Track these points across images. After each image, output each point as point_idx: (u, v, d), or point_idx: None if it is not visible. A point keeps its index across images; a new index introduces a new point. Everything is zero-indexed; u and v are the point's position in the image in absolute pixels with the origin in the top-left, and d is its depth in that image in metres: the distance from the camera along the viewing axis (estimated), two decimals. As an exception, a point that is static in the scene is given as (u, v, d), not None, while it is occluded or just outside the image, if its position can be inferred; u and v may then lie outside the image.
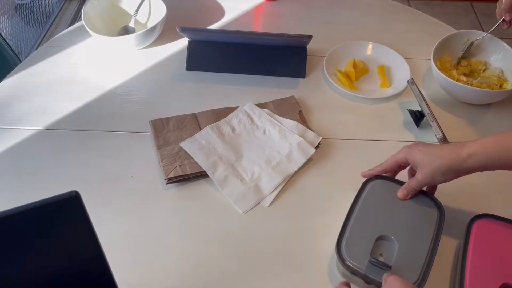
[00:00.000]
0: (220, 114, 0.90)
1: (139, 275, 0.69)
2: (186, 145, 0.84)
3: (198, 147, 0.83)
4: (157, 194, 0.79)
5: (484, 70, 0.96)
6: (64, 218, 0.47)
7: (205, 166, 0.80)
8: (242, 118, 0.89)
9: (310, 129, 0.87)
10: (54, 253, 0.50)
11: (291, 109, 0.91)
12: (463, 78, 0.94)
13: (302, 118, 0.90)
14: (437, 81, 0.94)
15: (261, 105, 0.91)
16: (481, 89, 0.90)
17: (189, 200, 0.78)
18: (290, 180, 0.81)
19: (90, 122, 0.90)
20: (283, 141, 0.85)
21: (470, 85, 0.90)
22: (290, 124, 0.88)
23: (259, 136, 0.87)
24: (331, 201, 0.78)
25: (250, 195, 0.78)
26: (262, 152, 0.84)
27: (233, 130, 0.87)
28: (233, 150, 0.84)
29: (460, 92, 0.91)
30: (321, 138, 0.85)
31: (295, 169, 0.82)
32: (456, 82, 0.89)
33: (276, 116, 0.89)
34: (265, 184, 0.80)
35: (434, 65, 0.91)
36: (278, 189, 0.79)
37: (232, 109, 0.91)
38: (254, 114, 0.90)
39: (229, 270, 0.70)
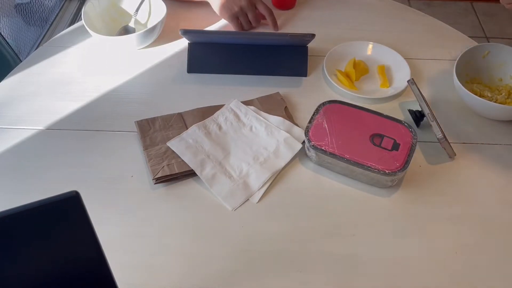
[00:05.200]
0: (206, 112, 0.90)
1: (139, 275, 0.69)
2: (173, 144, 0.84)
3: (185, 146, 0.83)
4: (157, 194, 0.79)
5: (500, 80, 0.95)
6: (64, 218, 0.47)
7: (193, 165, 0.80)
8: (228, 116, 0.89)
9: (296, 124, 0.88)
10: (54, 253, 0.50)
11: (277, 106, 0.91)
12: (488, 93, 0.92)
13: (287, 114, 0.90)
14: (460, 96, 0.91)
15: (246, 102, 0.92)
16: (510, 107, 0.85)
17: (189, 200, 0.78)
18: (289, 180, 0.81)
19: (90, 122, 0.90)
20: (270, 137, 0.85)
21: (495, 101, 0.89)
22: (276, 120, 0.88)
23: (246, 133, 0.87)
24: (331, 201, 0.78)
25: (239, 192, 0.78)
26: (249, 149, 0.84)
27: (220, 128, 0.87)
28: (221, 148, 0.84)
29: (485, 109, 0.88)
30: None
31: (283, 164, 0.82)
32: (481, 99, 0.85)
33: (262, 112, 0.90)
34: (253, 180, 0.80)
35: (457, 80, 0.88)
36: (267, 185, 0.79)
37: (218, 107, 0.91)
38: (240, 111, 0.90)
39: (229, 270, 0.70)
